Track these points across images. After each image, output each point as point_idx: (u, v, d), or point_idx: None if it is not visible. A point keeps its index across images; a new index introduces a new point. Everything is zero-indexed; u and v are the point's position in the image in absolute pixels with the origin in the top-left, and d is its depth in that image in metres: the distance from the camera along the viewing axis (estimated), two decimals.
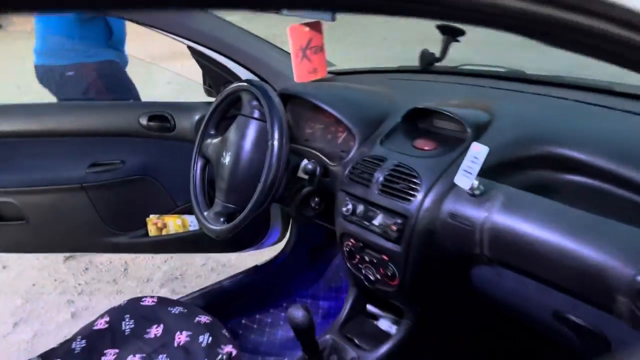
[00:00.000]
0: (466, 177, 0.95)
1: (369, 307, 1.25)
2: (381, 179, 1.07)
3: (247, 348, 1.58)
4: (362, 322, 1.23)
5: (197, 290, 1.67)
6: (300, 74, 1.43)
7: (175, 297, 2.21)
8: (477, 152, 0.95)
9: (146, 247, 1.78)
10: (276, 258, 1.80)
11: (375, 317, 1.24)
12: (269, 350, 1.58)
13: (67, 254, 2.61)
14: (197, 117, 1.67)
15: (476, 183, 0.93)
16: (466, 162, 0.95)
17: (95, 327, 1.30)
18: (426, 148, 1.11)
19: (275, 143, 1.10)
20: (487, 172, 0.96)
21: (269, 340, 1.63)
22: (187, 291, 2.25)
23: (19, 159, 1.62)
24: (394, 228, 1.03)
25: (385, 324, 1.21)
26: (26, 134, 1.61)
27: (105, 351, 1.25)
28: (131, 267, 2.50)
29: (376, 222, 1.07)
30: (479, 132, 1.06)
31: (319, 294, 1.79)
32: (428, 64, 1.45)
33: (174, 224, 1.76)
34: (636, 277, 0.72)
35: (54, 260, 2.59)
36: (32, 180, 1.61)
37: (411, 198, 1.01)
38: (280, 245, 1.86)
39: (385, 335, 1.17)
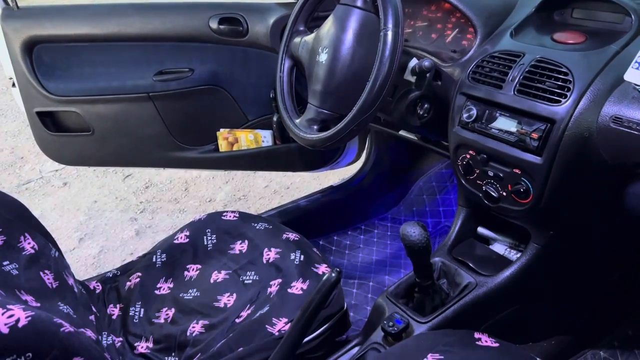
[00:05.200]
0: None
1: (481, 230, 1.11)
2: (518, 77, 0.90)
3: None
4: (472, 245, 1.09)
5: (273, 209, 1.57)
6: None
7: None
8: None
9: (215, 163, 1.67)
10: (354, 178, 1.67)
11: (487, 241, 1.11)
12: (351, 273, 1.48)
13: (126, 173, 2.56)
14: (272, 21, 1.49)
15: None
16: None
17: (176, 241, 1.22)
18: (571, 42, 0.92)
19: (390, 33, 0.93)
20: None
21: (350, 262, 1.53)
22: (252, 212, 2.18)
23: (83, 66, 1.50)
24: (535, 135, 0.87)
25: (501, 248, 1.07)
26: (89, 39, 1.48)
27: (187, 266, 1.17)
28: (192, 187, 2.43)
29: (510, 128, 0.91)
30: None
31: (400, 217, 1.67)
32: None
33: (246, 138, 1.64)
34: None
35: (113, 178, 2.55)
36: (96, 89, 1.49)
37: (561, 99, 0.84)
38: (357, 166, 1.72)
39: (503, 260, 1.03)
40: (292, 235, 1.17)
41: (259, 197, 2.31)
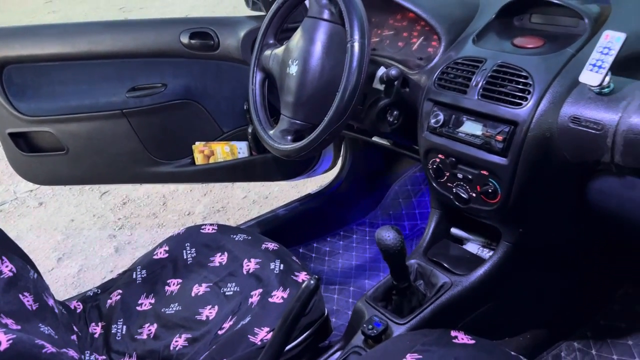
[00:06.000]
0: (595, 73, 0.80)
1: (454, 231, 1.14)
2: (481, 82, 0.93)
3: None
4: (446, 246, 1.12)
5: (252, 219, 1.58)
6: None
7: None
8: (610, 42, 0.80)
9: (192, 176, 1.68)
10: (330, 185, 1.69)
11: (461, 241, 1.14)
12: (331, 279, 1.50)
13: (103, 190, 2.55)
14: (242, 34, 1.51)
15: (607, 79, 0.79)
16: (595, 55, 0.80)
17: (155, 257, 1.22)
18: (530, 46, 0.96)
19: (356, 44, 0.96)
20: (611, 69, 0.81)
21: (330, 268, 1.55)
22: (231, 224, 2.18)
23: (54, 85, 1.50)
24: (500, 138, 0.90)
25: (474, 247, 1.11)
26: (60, 58, 1.48)
27: (168, 281, 1.18)
28: (170, 201, 2.43)
29: (475, 132, 0.94)
30: (597, 24, 0.91)
31: (377, 221, 1.70)
32: None
33: (222, 151, 1.65)
34: None
35: (90, 196, 2.53)
36: (69, 108, 1.49)
37: (523, 102, 0.88)
38: (333, 173, 1.75)
39: (476, 259, 1.06)
40: (271, 245, 1.19)
41: (238, 207, 2.32)
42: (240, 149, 1.64)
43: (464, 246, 1.12)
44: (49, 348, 0.71)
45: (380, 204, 1.74)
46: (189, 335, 1.04)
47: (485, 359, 0.80)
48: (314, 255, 1.60)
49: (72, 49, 1.49)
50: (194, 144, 1.63)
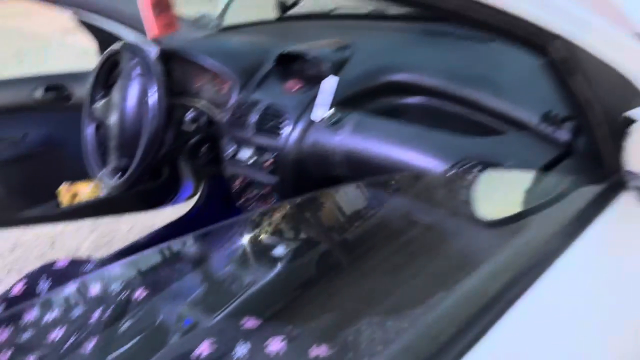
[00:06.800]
0: (321, 110, 1.07)
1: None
2: (255, 120, 1.18)
3: None
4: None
5: (114, 252, 1.75)
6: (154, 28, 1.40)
7: None
8: (327, 85, 1.07)
9: (61, 217, 1.83)
10: (190, 212, 1.89)
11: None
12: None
13: None
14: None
15: (330, 113, 1.06)
16: (319, 96, 1.07)
17: (12, 294, 1.37)
18: (293, 89, 1.21)
19: (152, 99, 1.18)
20: (344, 103, 1.08)
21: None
22: None
23: None
24: (271, 162, 1.15)
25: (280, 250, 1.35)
26: None
27: (23, 313, 1.33)
28: (59, 241, 2.53)
29: (256, 158, 1.18)
30: (337, 68, 1.18)
31: None
32: (284, 10, 1.53)
33: (86, 190, 1.81)
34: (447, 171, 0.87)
35: None
36: None
37: (280, 133, 1.13)
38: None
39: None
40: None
41: (124, 240, 2.45)
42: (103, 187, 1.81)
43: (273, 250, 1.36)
44: None
45: None
46: (40, 354, 1.20)
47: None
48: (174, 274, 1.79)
49: None
50: (60, 186, 1.78)
